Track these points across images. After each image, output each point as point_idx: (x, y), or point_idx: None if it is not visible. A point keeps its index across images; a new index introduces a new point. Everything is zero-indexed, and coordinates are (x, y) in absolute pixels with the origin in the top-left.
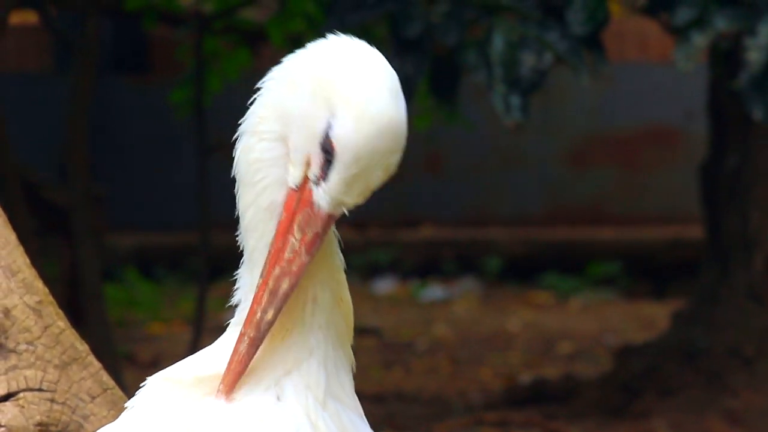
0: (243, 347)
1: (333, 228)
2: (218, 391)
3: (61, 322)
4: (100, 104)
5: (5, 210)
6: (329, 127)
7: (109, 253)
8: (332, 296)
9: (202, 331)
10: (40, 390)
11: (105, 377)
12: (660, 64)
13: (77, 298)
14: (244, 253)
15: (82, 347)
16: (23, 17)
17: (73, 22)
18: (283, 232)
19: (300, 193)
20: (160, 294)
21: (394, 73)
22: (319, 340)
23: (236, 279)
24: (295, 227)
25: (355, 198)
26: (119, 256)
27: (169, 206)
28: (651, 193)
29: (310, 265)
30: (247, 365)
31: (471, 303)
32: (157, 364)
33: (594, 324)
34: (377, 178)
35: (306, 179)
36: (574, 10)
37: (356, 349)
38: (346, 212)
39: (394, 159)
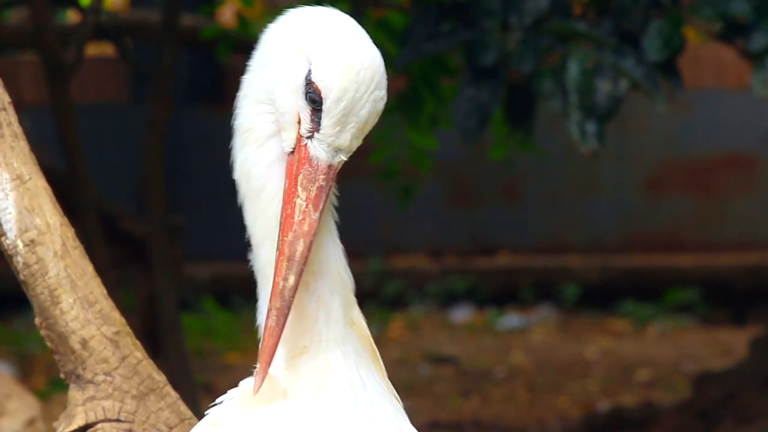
0: (272, 321)
1: (335, 235)
2: (257, 368)
3: (139, 353)
4: (176, 134)
5: (83, 241)
6: (309, 73)
7: (186, 283)
8: (342, 309)
9: None
10: (118, 420)
11: (182, 407)
12: (737, 91)
13: (155, 328)
14: (257, 272)
15: (160, 377)
16: (100, 48)
17: (150, 52)
18: (289, 198)
19: (297, 153)
20: (237, 324)
21: (359, 26)
22: (338, 358)
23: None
24: (299, 188)
25: (350, 139)
26: (196, 287)
27: (246, 236)
28: (728, 219)
29: (314, 270)
30: (279, 337)
31: (548, 331)
32: None
33: (672, 351)
34: (367, 112)
35: (300, 138)
36: (650, 36)
37: (434, 378)
38: (345, 158)
39: (379, 93)
